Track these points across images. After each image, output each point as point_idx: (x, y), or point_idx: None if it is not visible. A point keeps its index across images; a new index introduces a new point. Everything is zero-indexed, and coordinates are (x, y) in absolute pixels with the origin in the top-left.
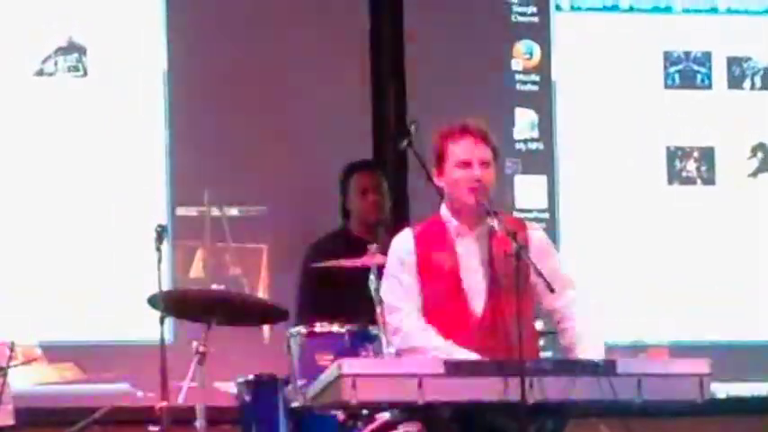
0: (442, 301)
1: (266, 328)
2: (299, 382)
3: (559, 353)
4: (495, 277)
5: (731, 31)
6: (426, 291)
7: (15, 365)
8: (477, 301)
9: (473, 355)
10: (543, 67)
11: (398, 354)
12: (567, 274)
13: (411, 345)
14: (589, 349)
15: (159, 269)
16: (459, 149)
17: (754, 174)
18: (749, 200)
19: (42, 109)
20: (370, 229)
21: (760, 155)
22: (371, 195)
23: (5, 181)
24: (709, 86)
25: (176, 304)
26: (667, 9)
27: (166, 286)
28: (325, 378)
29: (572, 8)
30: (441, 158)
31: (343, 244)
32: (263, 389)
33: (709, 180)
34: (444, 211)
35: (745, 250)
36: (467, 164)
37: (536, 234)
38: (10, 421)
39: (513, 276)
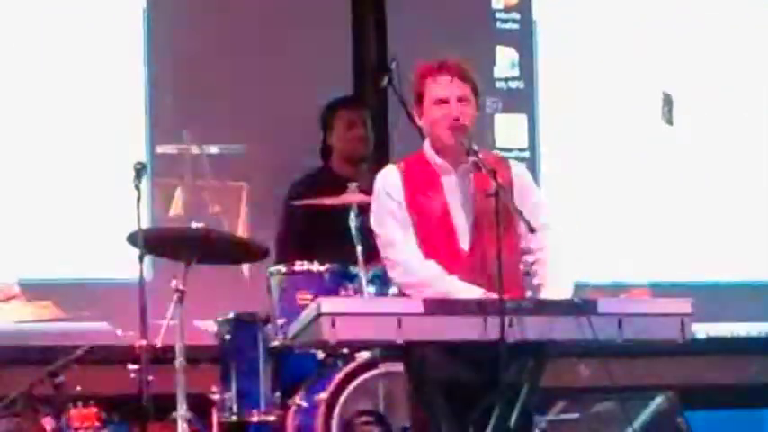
0: (431, 238)
1: (246, 266)
2: (279, 321)
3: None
4: (478, 215)
5: None
6: (415, 228)
7: None
8: (463, 239)
9: (476, 290)
10: (524, 6)
11: (399, 288)
12: (546, 216)
13: (412, 279)
14: (555, 293)
15: (138, 207)
16: (437, 87)
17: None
18: (729, 139)
19: (20, 46)
20: (353, 166)
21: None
22: (357, 130)
23: None
24: None
25: (156, 242)
26: None
27: (146, 224)
28: (304, 317)
29: None
30: (420, 97)
31: (324, 182)
32: (243, 327)
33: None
34: (428, 148)
35: (727, 191)
36: (444, 101)
37: (518, 171)
38: None
39: (494, 214)
